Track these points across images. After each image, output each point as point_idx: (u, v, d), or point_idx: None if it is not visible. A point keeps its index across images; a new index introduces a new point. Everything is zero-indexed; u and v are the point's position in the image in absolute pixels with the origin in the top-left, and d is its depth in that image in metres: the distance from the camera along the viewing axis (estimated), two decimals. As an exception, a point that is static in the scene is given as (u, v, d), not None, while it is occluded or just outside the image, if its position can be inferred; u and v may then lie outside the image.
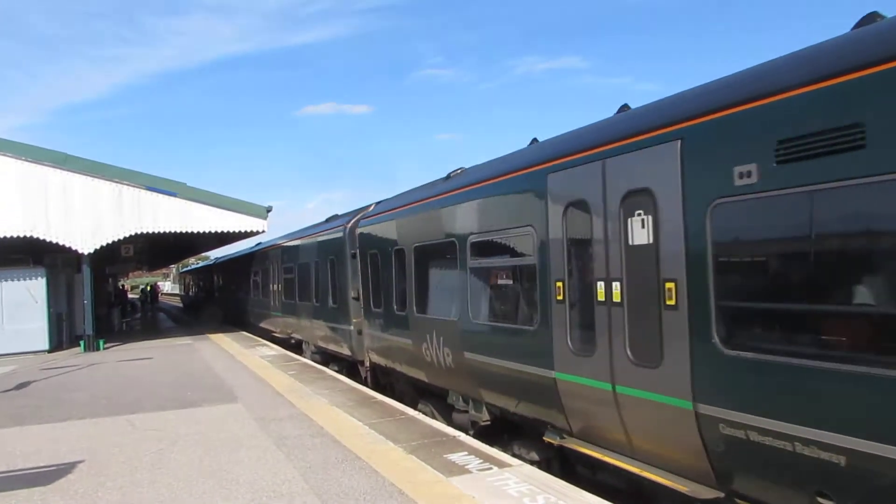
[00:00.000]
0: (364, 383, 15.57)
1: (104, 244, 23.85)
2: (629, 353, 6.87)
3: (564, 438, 8.24)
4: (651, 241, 6.58)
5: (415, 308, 12.23)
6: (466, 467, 8.00)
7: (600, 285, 7.26)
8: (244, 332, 30.03)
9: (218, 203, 25.14)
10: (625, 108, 8.21)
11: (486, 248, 9.99)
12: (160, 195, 24.35)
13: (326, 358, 19.94)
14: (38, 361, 21.76)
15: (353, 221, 16.76)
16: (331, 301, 18.45)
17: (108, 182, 23.80)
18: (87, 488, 7.97)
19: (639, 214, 6.74)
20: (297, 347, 23.24)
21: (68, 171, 23.38)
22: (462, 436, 9.73)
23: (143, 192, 24.17)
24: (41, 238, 23.05)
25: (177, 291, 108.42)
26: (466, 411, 10.77)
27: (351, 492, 7.35)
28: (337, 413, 11.57)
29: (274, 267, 26.71)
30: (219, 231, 25.23)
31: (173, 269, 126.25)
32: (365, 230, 15.46)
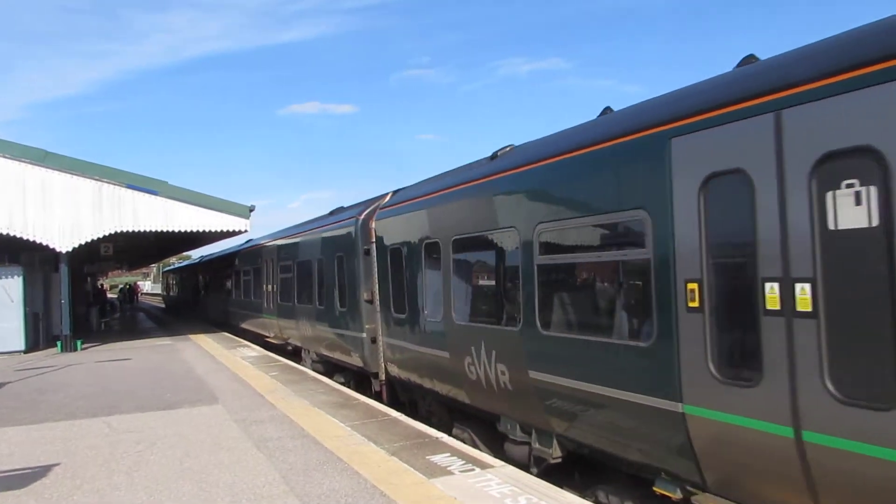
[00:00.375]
0: (376, 398, 13.62)
1: (83, 243, 23.54)
2: (829, 385, 4.91)
3: (696, 494, 6.32)
4: (876, 223, 4.65)
5: (454, 314, 10.25)
6: (448, 468, 7.97)
7: (771, 287, 5.35)
8: (226, 333, 29.78)
9: (200, 202, 24.91)
10: (750, 59, 6.38)
11: (563, 240, 7.96)
12: (141, 193, 24.08)
13: (330, 368, 17.75)
14: (14, 362, 21.41)
15: (365, 213, 14.64)
16: (338, 304, 16.15)
17: (87, 180, 23.50)
18: (62, 491, 7.83)
19: (849, 186, 4.83)
20: (294, 355, 21.04)
21: (47, 168, 23.01)
22: (444, 437, 9.68)
23: (124, 190, 23.88)
24: (18, 236, 22.69)
25: (158, 291, 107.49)
26: (527, 443, 8.83)
27: (332, 494, 7.28)
28: (318, 414, 11.48)
29: (268, 266, 24.32)
30: (200, 230, 25.01)
31: (154, 268, 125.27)
32: (383, 223, 13.38)
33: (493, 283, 9.94)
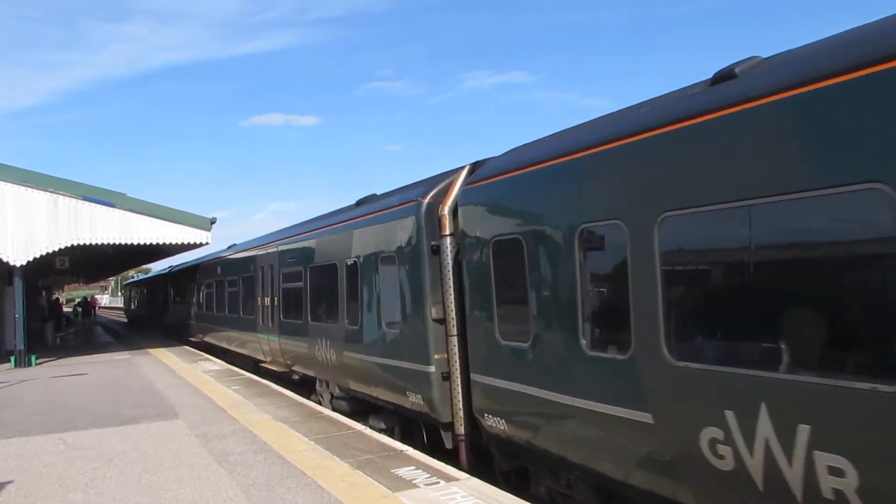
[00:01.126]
0: (447, 457, 9.73)
1: (37, 256, 23.00)
2: None
3: None
4: None
5: (669, 348, 5.93)
6: (413, 482, 7.94)
7: None
8: (187, 347, 29.27)
9: (159, 214, 24.54)
10: None
11: None
12: (98, 206, 23.63)
13: (361, 407, 13.28)
14: (-35, 378, 20.78)
15: (431, 196, 10.46)
16: (383, 324, 11.78)
17: (42, 192, 23.00)
18: (15, 511, 7.63)
19: None
20: (301, 386, 16.75)
21: None
22: (410, 450, 9.65)
23: (80, 202, 23.42)
24: (-31, 249, 22.12)
25: (116, 305, 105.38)
26: None
27: (295, 509, 7.20)
28: (282, 428, 11.35)
29: (265, 274, 19.63)
30: (160, 243, 24.64)
31: (112, 281, 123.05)
32: (474, 207, 9.29)
33: (798, 294, 5.27)
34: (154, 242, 24.47)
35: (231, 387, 16.59)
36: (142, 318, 52.72)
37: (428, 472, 8.30)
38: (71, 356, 26.70)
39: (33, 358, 24.02)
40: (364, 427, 11.39)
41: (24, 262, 22.86)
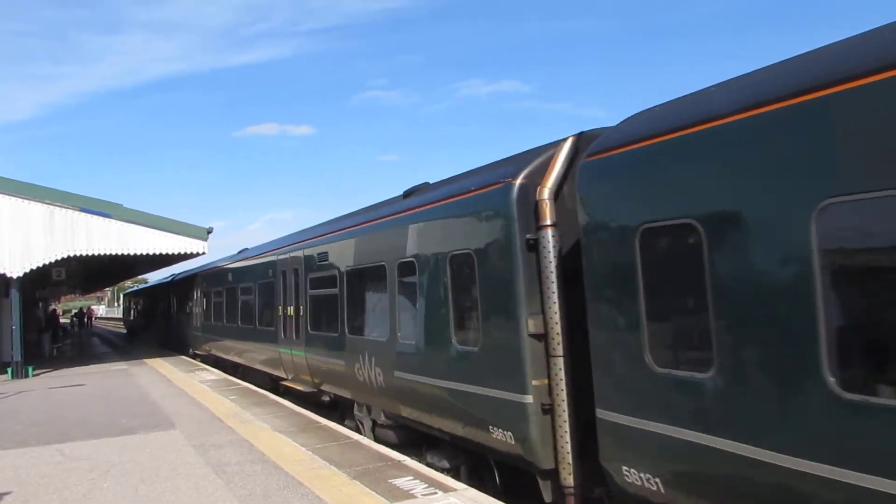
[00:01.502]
0: None
1: (34, 267, 23.02)
2: None
3: None
4: None
5: None
6: (411, 492, 7.95)
7: None
8: (183, 357, 29.21)
9: (155, 224, 24.57)
10: None
11: None
12: (94, 216, 23.68)
13: (413, 438, 11.00)
14: (-39, 390, 20.72)
15: (525, 174, 8.08)
16: (452, 339, 9.32)
17: (38, 203, 23.04)
18: (12, 523, 7.62)
19: None
20: (331, 409, 14.79)
21: (-5, 192, 22.58)
22: (407, 460, 9.64)
23: (77, 213, 23.46)
24: (-34, 261, 22.12)
25: (113, 315, 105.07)
26: None
27: (293, 519, 7.20)
28: (279, 438, 11.35)
29: (288, 280, 17.16)
30: (157, 253, 24.66)
31: (108, 292, 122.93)
32: (605, 184, 6.85)
33: None
34: (150, 253, 24.51)
35: (228, 397, 16.57)
36: (143, 330, 50.29)
37: (426, 483, 8.31)
38: (68, 367, 26.63)
39: (30, 369, 23.98)
40: (361, 437, 11.36)
41: (21, 274, 22.87)
